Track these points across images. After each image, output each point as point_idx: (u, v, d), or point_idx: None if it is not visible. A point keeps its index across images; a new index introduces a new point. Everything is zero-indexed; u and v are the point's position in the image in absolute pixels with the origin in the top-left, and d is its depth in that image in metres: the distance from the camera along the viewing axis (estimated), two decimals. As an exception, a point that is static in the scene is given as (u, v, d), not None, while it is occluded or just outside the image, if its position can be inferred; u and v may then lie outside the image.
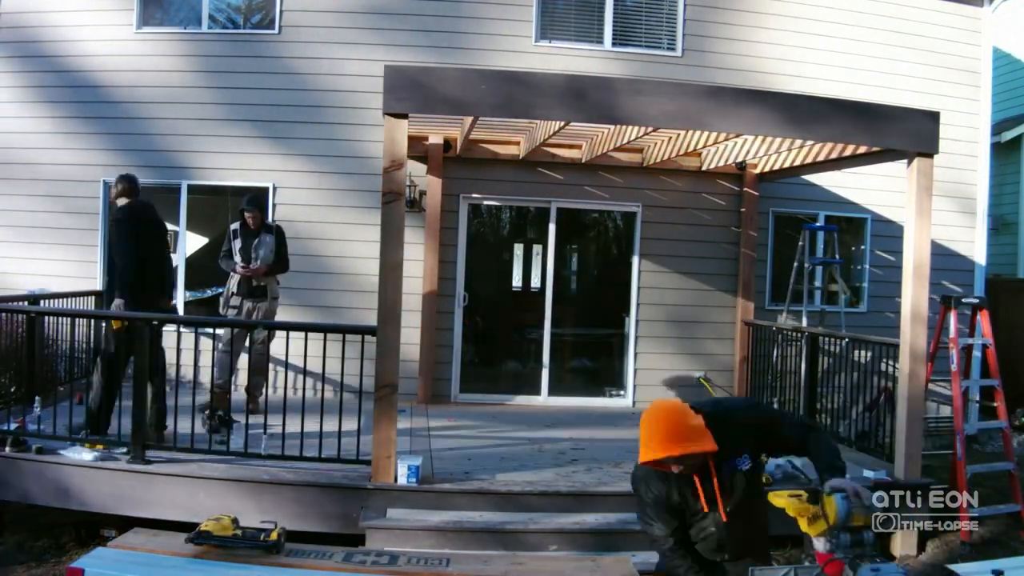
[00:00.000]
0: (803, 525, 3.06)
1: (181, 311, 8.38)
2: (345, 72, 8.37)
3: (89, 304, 8.19)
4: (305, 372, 5.74)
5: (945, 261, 9.11)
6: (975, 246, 9.56)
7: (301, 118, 8.41)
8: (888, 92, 8.91)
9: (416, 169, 8.22)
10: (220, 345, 6.74)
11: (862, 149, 6.45)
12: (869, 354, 6.93)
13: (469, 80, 5.50)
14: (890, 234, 8.95)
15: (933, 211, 5.91)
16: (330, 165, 8.42)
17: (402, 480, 5.27)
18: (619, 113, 5.60)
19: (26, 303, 6.98)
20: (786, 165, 8.09)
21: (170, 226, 8.57)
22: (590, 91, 5.63)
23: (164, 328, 6.00)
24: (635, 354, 8.83)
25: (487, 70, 6.54)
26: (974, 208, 9.55)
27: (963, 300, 6.68)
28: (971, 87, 9.46)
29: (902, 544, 5.71)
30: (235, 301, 7.04)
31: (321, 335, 5.60)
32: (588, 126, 7.40)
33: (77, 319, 7.17)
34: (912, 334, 5.79)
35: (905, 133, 5.79)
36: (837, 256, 8.84)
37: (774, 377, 8.25)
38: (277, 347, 7.10)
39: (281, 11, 8.42)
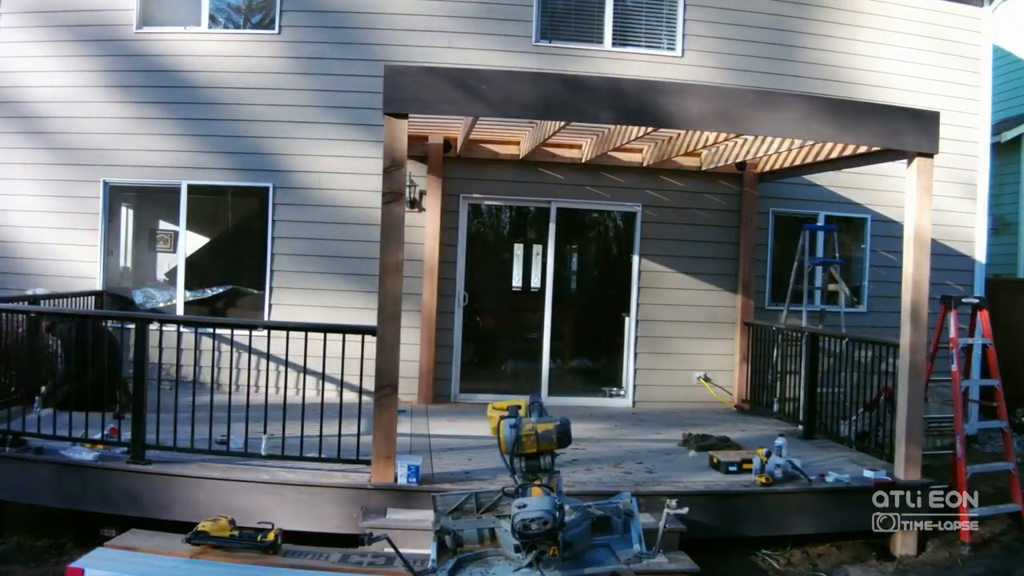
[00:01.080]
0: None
1: (180, 311, 8.39)
2: (345, 72, 8.37)
3: (89, 304, 8.20)
4: (305, 372, 5.74)
5: (945, 261, 9.11)
6: (975, 246, 9.56)
7: (301, 118, 8.41)
8: (888, 92, 8.91)
9: (416, 169, 8.22)
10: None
11: (862, 149, 6.45)
12: (869, 354, 6.93)
13: (468, 80, 5.50)
14: (890, 234, 8.95)
15: (933, 211, 5.91)
16: (330, 165, 8.42)
17: (402, 480, 5.27)
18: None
19: (26, 303, 6.99)
20: (786, 165, 8.10)
21: (170, 226, 8.62)
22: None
23: (164, 328, 6.00)
24: (635, 354, 8.82)
25: (487, 70, 6.54)
26: (974, 208, 9.55)
27: (963, 300, 6.67)
28: (971, 87, 9.46)
29: (902, 544, 5.71)
30: None
31: (321, 335, 5.60)
32: (588, 126, 7.40)
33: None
34: (912, 334, 5.79)
35: (905, 133, 5.79)
36: (837, 256, 8.84)
37: (774, 377, 8.26)
38: (277, 347, 7.10)
39: (281, 11, 8.42)
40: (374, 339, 5.34)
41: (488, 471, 5.81)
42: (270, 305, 8.39)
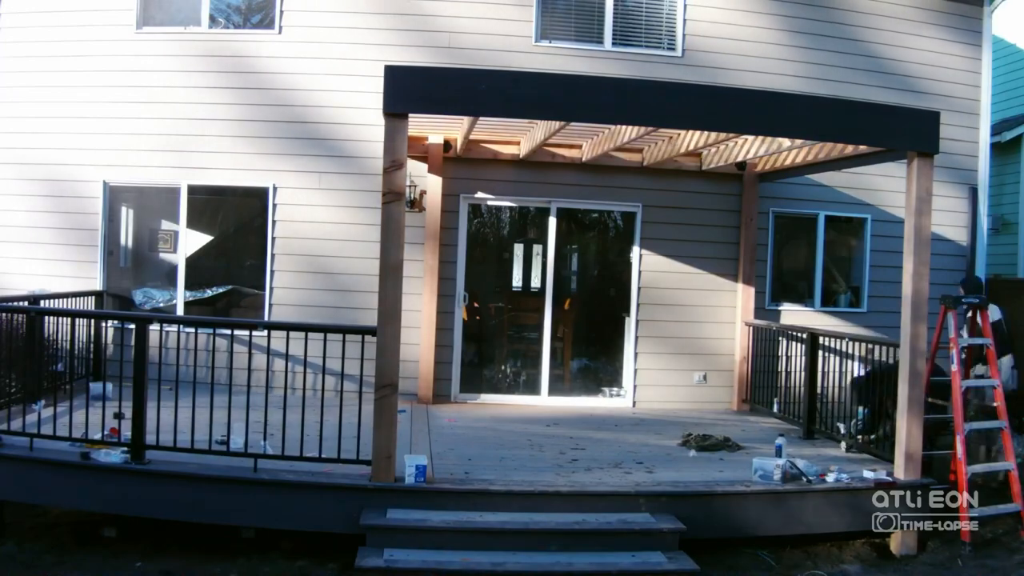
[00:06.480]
0: None
1: (180, 311, 8.39)
2: (345, 72, 8.37)
3: (89, 304, 8.20)
4: (305, 372, 5.74)
5: (945, 261, 9.12)
6: (975, 246, 9.55)
7: (301, 118, 8.41)
8: (888, 92, 8.91)
9: (416, 169, 8.22)
10: None
11: (862, 149, 6.45)
12: (870, 354, 6.92)
13: (469, 80, 5.51)
14: (890, 234, 8.94)
15: (933, 211, 5.91)
16: (330, 165, 8.42)
17: (409, 480, 5.27)
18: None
19: (26, 303, 6.99)
20: (786, 165, 8.09)
21: (170, 226, 8.62)
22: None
23: (165, 328, 6.00)
24: (635, 354, 8.82)
25: (487, 70, 6.55)
26: (974, 208, 9.55)
27: (963, 300, 6.67)
28: (971, 87, 9.46)
29: (902, 544, 5.71)
30: None
31: (321, 335, 5.60)
32: (588, 126, 7.40)
33: (77, 319, 7.18)
34: (912, 334, 5.79)
35: (905, 133, 5.79)
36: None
37: (774, 377, 8.25)
38: (278, 346, 7.10)
39: (281, 11, 8.42)
40: (374, 339, 5.34)
41: (488, 471, 5.81)
42: (270, 305, 8.40)
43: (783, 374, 8.11)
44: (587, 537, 5.14)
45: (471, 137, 7.97)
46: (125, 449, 5.46)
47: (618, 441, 7.02)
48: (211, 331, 7.33)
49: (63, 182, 8.42)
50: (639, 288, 8.82)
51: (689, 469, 6.11)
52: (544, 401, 8.69)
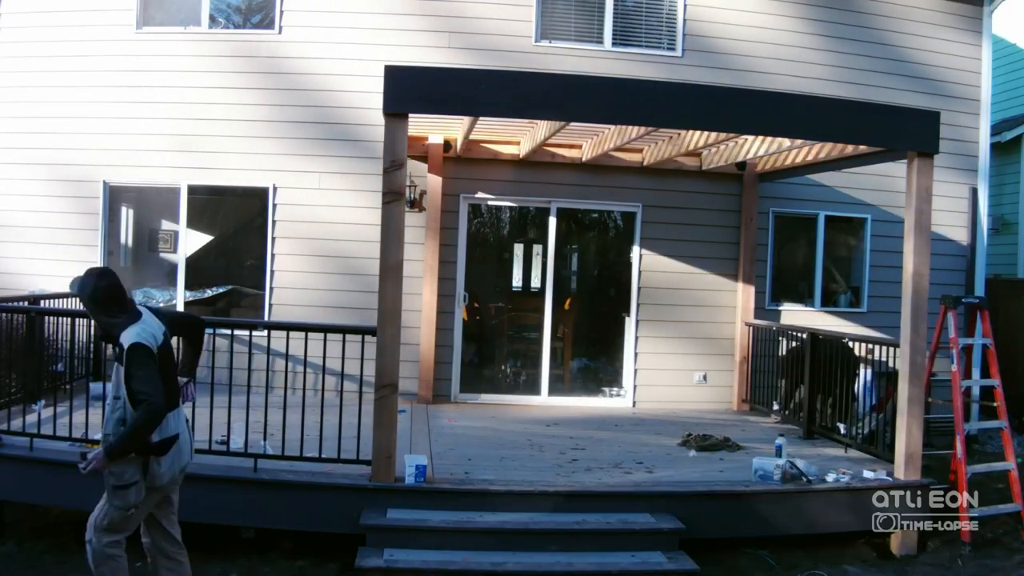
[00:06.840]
0: None
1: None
2: (345, 72, 8.37)
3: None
4: (305, 372, 5.74)
5: (945, 261, 9.12)
6: (975, 246, 9.55)
7: (301, 118, 8.41)
8: (888, 92, 8.91)
9: (416, 169, 8.21)
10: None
11: (862, 149, 6.45)
12: (871, 355, 6.92)
13: (469, 80, 5.51)
14: (891, 234, 8.94)
15: (933, 210, 5.91)
16: (330, 165, 8.42)
17: (409, 479, 5.27)
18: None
19: (26, 303, 6.99)
20: (786, 165, 8.09)
21: (171, 226, 8.62)
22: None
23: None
24: (635, 354, 8.82)
25: (487, 70, 6.56)
26: (974, 208, 9.55)
27: (963, 300, 6.67)
28: (971, 87, 9.46)
29: (902, 544, 5.71)
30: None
31: (321, 335, 5.60)
32: (588, 126, 7.40)
33: (77, 319, 7.18)
34: (912, 334, 5.79)
35: (906, 133, 5.80)
36: None
37: (774, 377, 8.25)
38: (278, 346, 7.10)
39: (281, 11, 8.42)
40: (374, 339, 5.34)
41: (488, 471, 5.81)
42: (270, 305, 8.40)
43: (783, 374, 8.09)
44: (587, 537, 5.14)
45: (471, 137, 7.97)
46: (125, 449, 5.45)
47: (618, 441, 7.02)
48: (211, 331, 7.33)
49: (63, 182, 8.42)
50: (639, 288, 8.82)
51: (689, 469, 6.11)
52: (544, 401, 8.69)
